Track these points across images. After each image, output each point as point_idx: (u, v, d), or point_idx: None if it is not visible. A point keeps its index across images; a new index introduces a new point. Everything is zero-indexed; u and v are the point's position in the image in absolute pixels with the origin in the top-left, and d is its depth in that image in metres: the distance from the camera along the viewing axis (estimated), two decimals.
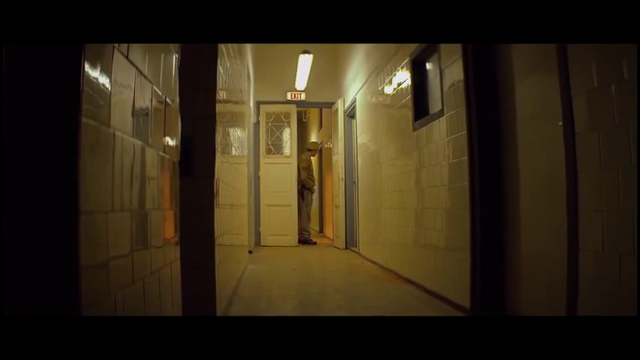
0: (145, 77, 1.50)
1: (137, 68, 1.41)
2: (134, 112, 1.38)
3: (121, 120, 1.26)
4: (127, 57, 1.31)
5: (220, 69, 3.24)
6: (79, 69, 1.01)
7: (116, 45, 1.22)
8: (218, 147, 3.13)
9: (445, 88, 4.07)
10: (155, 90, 1.62)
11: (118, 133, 1.24)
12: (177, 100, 2.01)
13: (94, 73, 1.08)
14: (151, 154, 1.57)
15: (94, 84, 1.08)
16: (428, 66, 4.90)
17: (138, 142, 1.42)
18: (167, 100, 1.80)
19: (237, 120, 4.77)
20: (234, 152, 4.47)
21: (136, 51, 1.39)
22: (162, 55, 1.74)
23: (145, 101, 1.50)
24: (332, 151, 10.21)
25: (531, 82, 3.11)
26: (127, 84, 1.32)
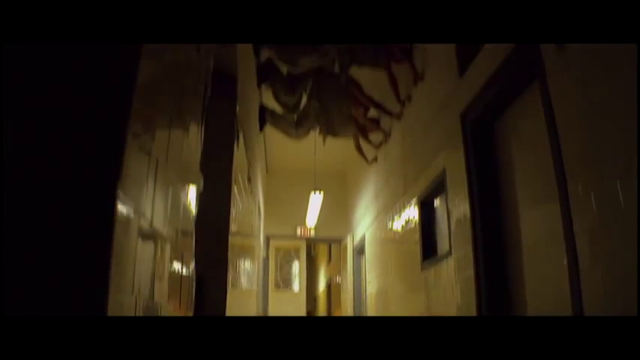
0: (165, 239, 1.58)
1: (159, 235, 1.49)
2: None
3: (143, 288, 1.33)
4: (151, 225, 1.39)
5: (232, 211, 3.37)
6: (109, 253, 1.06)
7: (139, 217, 1.28)
8: (229, 285, 3.17)
9: (453, 228, 4.15)
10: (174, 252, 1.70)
11: (139, 302, 1.29)
12: (193, 246, 2.09)
13: (119, 253, 1.11)
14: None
15: (120, 264, 1.13)
16: (435, 204, 5.03)
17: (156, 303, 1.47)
18: (184, 256, 1.87)
19: (247, 255, 4.84)
20: (244, 287, 4.49)
21: (158, 218, 1.47)
22: (182, 205, 1.84)
23: (163, 269, 1.57)
24: (340, 287, 10.14)
25: (536, 213, 3.14)
26: (148, 255, 1.40)
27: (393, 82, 5.53)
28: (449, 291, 4.14)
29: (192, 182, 1.97)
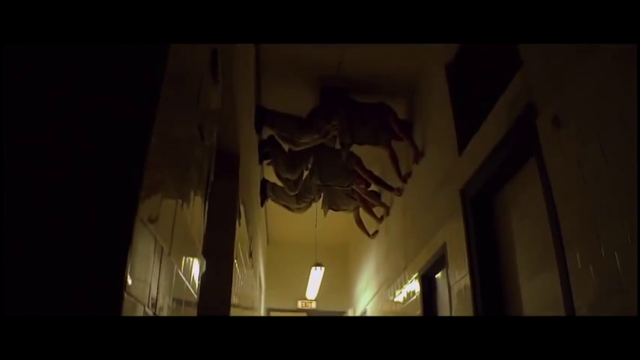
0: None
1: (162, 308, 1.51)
2: None
3: None
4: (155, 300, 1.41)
5: (234, 287, 3.37)
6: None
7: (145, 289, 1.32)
8: None
9: (454, 303, 4.12)
10: None
11: None
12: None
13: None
14: None
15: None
16: (437, 279, 5.00)
17: None
18: None
19: None
20: None
21: (162, 293, 1.50)
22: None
23: None
24: None
25: (536, 283, 3.10)
26: None
27: (394, 159, 5.62)
28: None
29: (196, 262, 1.99)
